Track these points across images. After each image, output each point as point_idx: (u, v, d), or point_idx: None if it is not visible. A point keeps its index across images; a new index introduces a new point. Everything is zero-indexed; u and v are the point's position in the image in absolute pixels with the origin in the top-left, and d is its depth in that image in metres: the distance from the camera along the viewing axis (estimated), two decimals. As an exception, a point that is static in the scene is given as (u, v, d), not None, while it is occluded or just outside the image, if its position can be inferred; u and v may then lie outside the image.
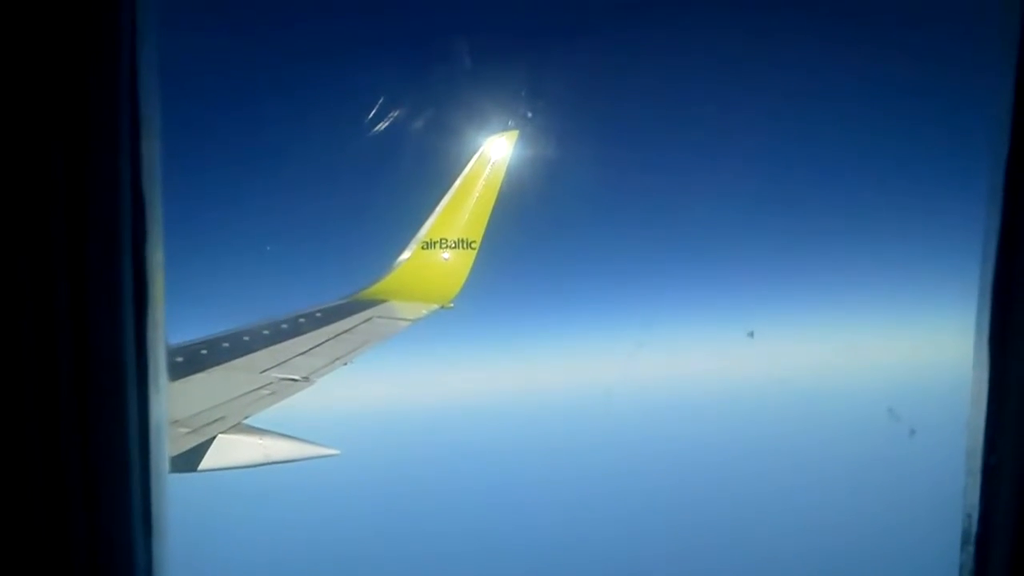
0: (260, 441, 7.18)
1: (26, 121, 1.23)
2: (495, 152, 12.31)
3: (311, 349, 8.77)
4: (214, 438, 6.55)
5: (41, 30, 1.23)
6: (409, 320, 10.88)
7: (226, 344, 8.41)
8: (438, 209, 12.08)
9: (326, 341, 9.14)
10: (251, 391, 7.36)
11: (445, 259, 11.90)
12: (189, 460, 6.42)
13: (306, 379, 7.93)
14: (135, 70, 1.36)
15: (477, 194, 12.05)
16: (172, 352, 7.78)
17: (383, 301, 11.18)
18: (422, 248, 11.89)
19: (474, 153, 12.34)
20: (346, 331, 9.63)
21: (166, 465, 1.43)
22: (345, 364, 8.72)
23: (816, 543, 22.02)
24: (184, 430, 6.31)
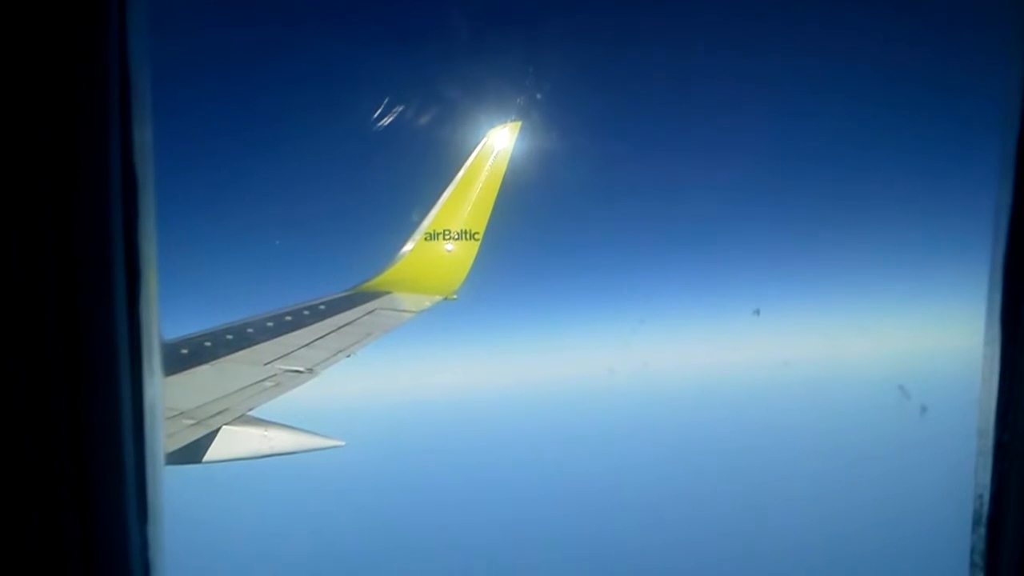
0: (264, 433, 7.17)
1: (13, 105, 1.21)
2: (498, 143, 12.30)
3: (314, 341, 8.77)
4: (219, 430, 6.55)
5: (29, 12, 1.21)
6: (412, 312, 10.86)
7: (230, 336, 8.41)
8: (441, 200, 12.07)
9: (329, 333, 9.14)
10: (255, 383, 7.36)
11: (448, 250, 11.88)
12: (194, 452, 6.41)
13: (310, 371, 7.92)
14: (125, 55, 1.34)
15: (480, 185, 12.03)
16: (176, 344, 7.79)
17: (386, 293, 11.16)
18: (425, 239, 11.87)
19: (477, 144, 12.33)
20: (349, 323, 9.63)
21: (161, 448, 1.41)
22: (348, 356, 8.71)
23: (827, 525, 22.07)
24: (189, 422, 6.30)
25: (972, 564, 1.64)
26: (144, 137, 1.38)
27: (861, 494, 23.31)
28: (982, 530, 1.61)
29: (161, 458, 1.41)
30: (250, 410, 7.03)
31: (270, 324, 9.13)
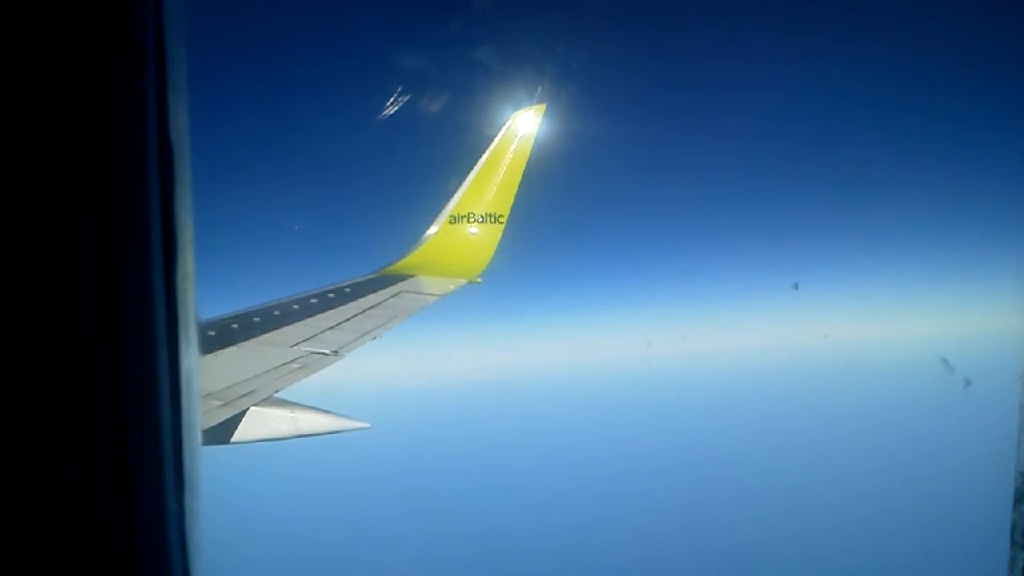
0: (291, 414, 7.23)
1: (49, 79, 1.21)
2: (523, 126, 12.26)
3: (340, 324, 8.81)
4: (246, 411, 6.61)
5: None
6: (437, 295, 10.88)
7: (257, 318, 8.48)
8: (465, 183, 12.07)
9: (355, 316, 9.18)
10: (282, 365, 7.42)
11: (473, 233, 11.89)
12: (222, 433, 6.49)
13: (336, 353, 7.97)
14: (161, 31, 1.34)
15: (505, 168, 12.01)
16: (204, 326, 7.87)
17: (411, 276, 11.19)
18: (450, 222, 11.88)
19: (501, 127, 12.30)
20: (375, 306, 9.66)
21: (197, 421, 1.43)
22: (374, 338, 8.75)
23: (868, 501, 21.94)
24: (217, 403, 6.37)
25: (1013, 542, 1.61)
26: (180, 114, 1.38)
27: (902, 470, 23.21)
28: (1023, 507, 1.59)
29: (197, 431, 1.42)
30: (277, 392, 7.08)
31: (296, 307, 9.19)
